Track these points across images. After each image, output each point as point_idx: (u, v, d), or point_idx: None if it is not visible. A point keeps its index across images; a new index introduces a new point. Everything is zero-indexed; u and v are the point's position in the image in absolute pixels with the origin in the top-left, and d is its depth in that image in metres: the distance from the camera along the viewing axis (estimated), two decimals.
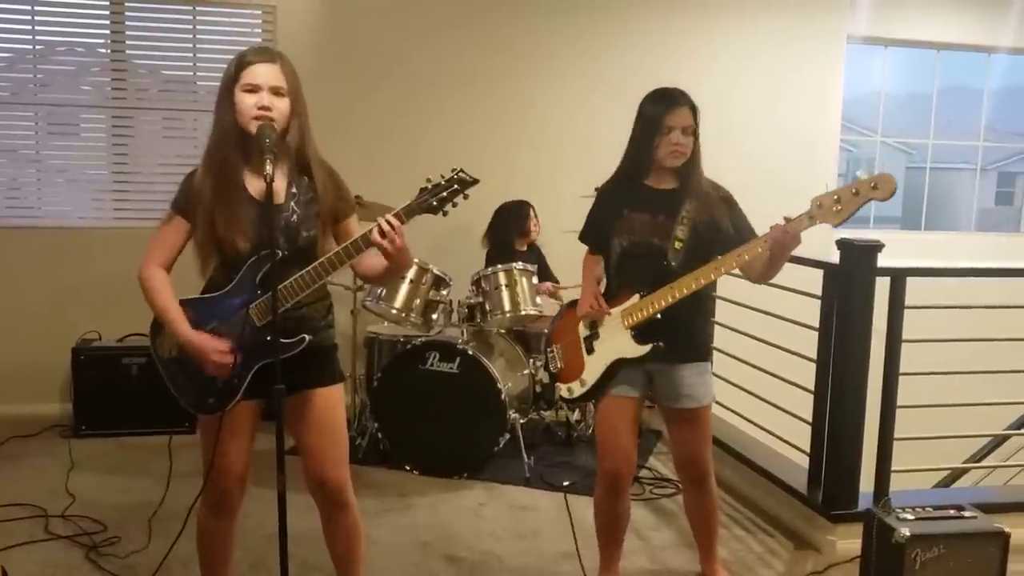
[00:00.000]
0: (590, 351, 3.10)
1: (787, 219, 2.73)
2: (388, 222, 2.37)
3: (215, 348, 2.46)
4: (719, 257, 2.88)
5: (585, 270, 3.25)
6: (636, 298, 2.97)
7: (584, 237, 3.26)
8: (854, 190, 2.59)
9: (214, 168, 2.48)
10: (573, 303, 3.25)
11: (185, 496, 2.80)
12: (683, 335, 2.99)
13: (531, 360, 4.91)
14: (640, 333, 2.97)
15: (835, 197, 2.62)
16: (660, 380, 3.05)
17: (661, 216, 2.96)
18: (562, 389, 3.20)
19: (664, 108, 2.91)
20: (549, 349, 3.29)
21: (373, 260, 2.53)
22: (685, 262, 2.93)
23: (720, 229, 2.97)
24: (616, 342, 3.02)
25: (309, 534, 2.98)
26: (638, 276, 2.98)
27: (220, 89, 2.48)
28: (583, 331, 3.13)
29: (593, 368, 3.08)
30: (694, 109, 2.93)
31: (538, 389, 4.93)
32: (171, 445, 3.57)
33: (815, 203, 2.66)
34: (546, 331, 3.40)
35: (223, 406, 2.51)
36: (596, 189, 3.24)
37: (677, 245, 2.94)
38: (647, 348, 2.96)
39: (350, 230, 2.61)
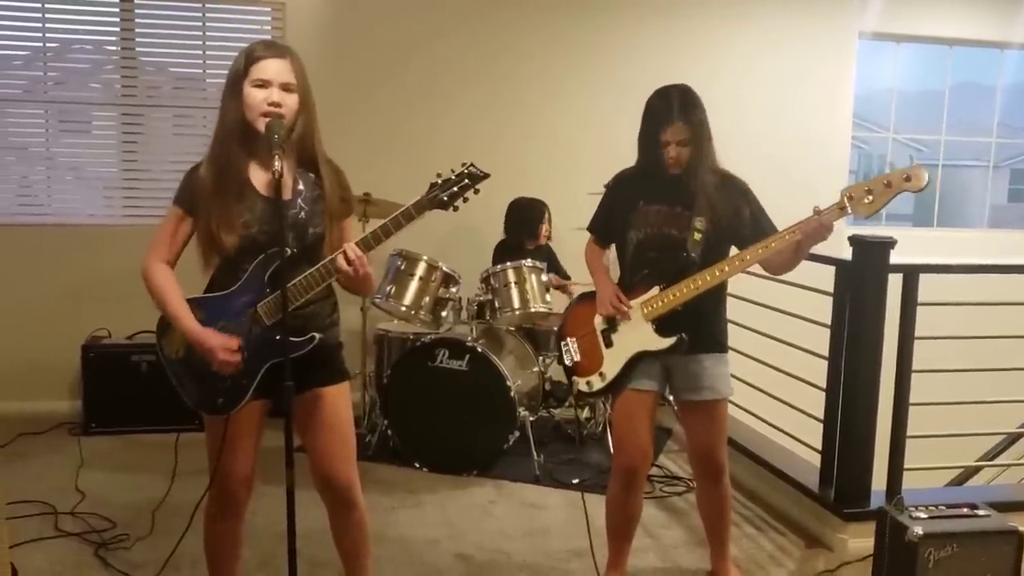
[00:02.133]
0: (608, 344, 3.07)
1: (817, 210, 2.74)
2: (353, 251, 2.38)
3: (222, 345, 2.44)
4: (742, 250, 2.88)
5: (594, 264, 3.24)
6: (656, 290, 2.96)
7: (593, 227, 3.26)
8: (886, 181, 2.64)
9: (217, 161, 2.46)
10: (585, 295, 3.23)
11: (193, 493, 2.80)
12: (702, 326, 2.99)
13: (540, 358, 4.90)
14: (661, 325, 2.96)
15: (866, 188, 2.66)
16: (679, 372, 3.04)
17: (679, 207, 2.96)
18: (580, 383, 3.17)
19: (658, 123, 2.93)
20: (563, 342, 3.23)
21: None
22: (705, 253, 2.93)
23: (739, 221, 2.98)
24: (637, 335, 2.99)
25: (317, 531, 2.97)
26: (657, 268, 2.97)
27: (227, 82, 2.46)
28: (600, 324, 3.10)
29: (613, 361, 3.06)
30: (689, 120, 2.91)
31: (547, 387, 4.92)
32: (178, 443, 3.58)
33: (845, 194, 2.69)
34: (557, 324, 3.37)
35: (232, 407, 2.49)
36: (606, 185, 3.22)
37: (696, 236, 2.92)
38: (670, 341, 2.95)
39: (344, 232, 2.58)
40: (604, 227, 3.21)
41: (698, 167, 2.95)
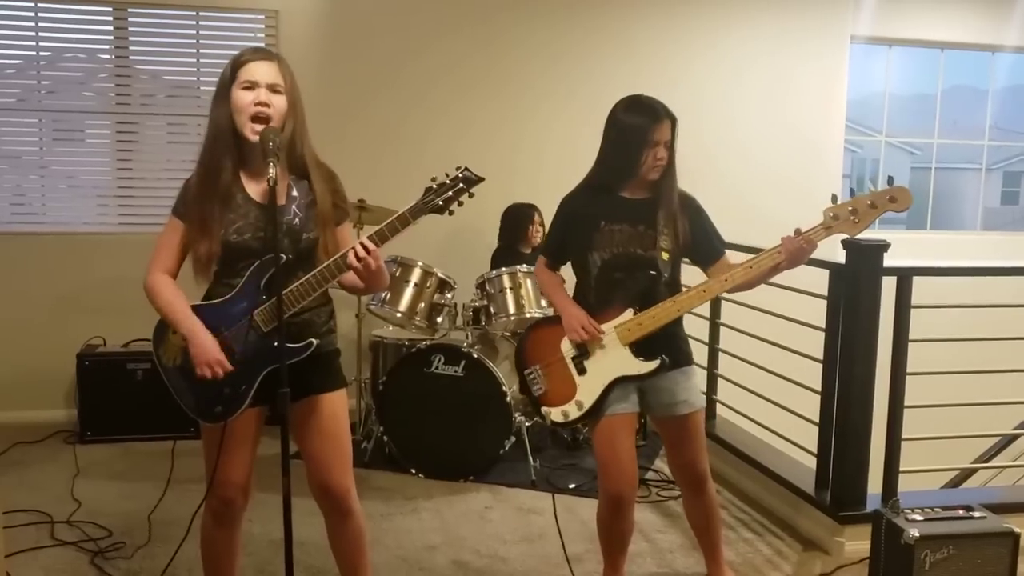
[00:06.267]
0: (582, 371, 2.95)
1: (799, 231, 2.75)
2: (364, 246, 2.37)
3: (216, 359, 2.42)
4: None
5: (553, 287, 3.12)
6: (629, 313, 2.89)
7: (548, 250, 3.16)
8: (870, 202, 2.65)
9: (205, 168, 2.48)
10: (542, 321, 3.14)
11: (190, 501, 2.79)
12: (672, 343, 2.97)
13: None
14: (640, 349, 2.91)
15: (850, 208, 2.67)
16: (652, 391, 2.98)
17: (642, 226, 2.91)
18: (553, 413, 2.99)
19: (650, 121, 2.87)
20: (527, 371, 3.05)
21: (352, 276, 2.49)
22: (671, 273, 2.94)
23: (697, 238, 2.98)
24: (614, 359, 2.91)
25: (314, 539, 2.98)
26: (626, 290, 2.91)
27: (216, 90, 2.47)
28: (569, 350, 2.97)
29: (589, 388, 2.94)
30: (674, 121, 2.92)
31: None
32: (174, 450, 3.57)
33: (829, 214, 2.70)
34: (516, 353, 3.16)
35: (230, 414, 2.49)
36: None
37: (664, 256, 2.90)
38: (654, 364, 2.89)
39: (341, 236, 2.59)
40: (560, 249, 3.11)
41: (670, 176, 2.94)
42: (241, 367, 2.47)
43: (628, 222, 2.92)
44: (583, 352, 2.95)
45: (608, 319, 2.92)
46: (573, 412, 2.97)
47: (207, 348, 2.43)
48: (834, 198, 2.72)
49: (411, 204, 2.40)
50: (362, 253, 2.37)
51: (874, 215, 2.66)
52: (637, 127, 2.88)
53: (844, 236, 2.84)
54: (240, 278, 2.48)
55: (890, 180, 2.68)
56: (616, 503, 3.03)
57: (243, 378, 2.47)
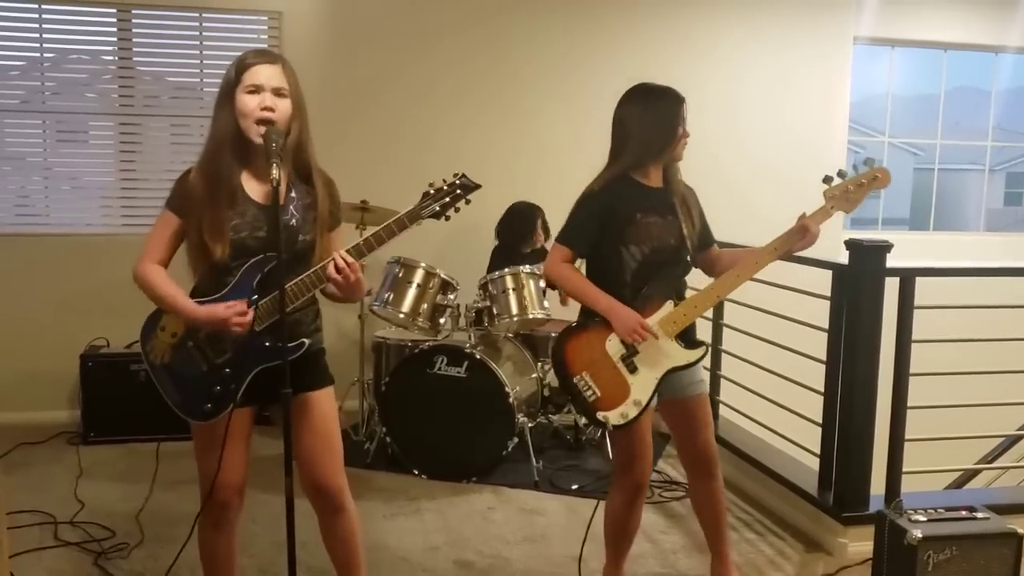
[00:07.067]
0: (633, 370, 2.87)
1: (803, 216, 2.88)
2: (344, 259, 2.38)
3: (232, 312, 2.40)
4: (755, 255, 2.93)
5: (585, 284, 2.92)
6: (670, 305, 2.87)
7: (575, 243, 2.95)
8: (861, 181, 2.89)
9: (209, 171, 2.47)
10: (576, 327, 2.98)
11: (192, 502, 2.79)
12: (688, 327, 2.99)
13: (539, 364, 4.90)
14: (684, 339, 2.91)
15: (846, 188, 2.89)
16: (667, 378, 2.94)
17: (669, 216, 2.94)
18: (612, 417, 2.87)
19: (678, 100, 2.94)
20: (576, 379, 2.91)
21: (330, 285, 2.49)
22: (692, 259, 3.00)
23: (704, 223, 3.06)
24: (664, 353, 2.87)
25: (316, 539, 2.97)
26: (664, 282, 2.91)
27: (220, 92, 2.47)
28: (617, 350, 2.88)
29: (643, 386, 2.87)
30: None
31: (546, 393, 4.92)
32: (158, 451, 3.55)
33: (828, 195, 2.90)
34: (553, 354, 3.01)
35: (219, 412, 2.48)
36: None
37: (689, 245, 2.96)
38: (700, 351, 2.92)
39: (332, 243, 2.58)
40: (592, 244, 2.95)
41: (676, 165, 3.02)
42: (232, 366, 2.47)
43: (658, 213, 2.93)
44: (631, 351, 2.88)
45: (649, 313, 2.87)
46: (632, 411, 2.87)
47: (217, 312, 2.41)
48: (828, 179, 2.90)
49: (408, 209, 2.42)
50: (342, 265, 2.38)
51: (864, 192, 2.89)
52: (672, 106, 2.94)
53: (844, 212, 3.00)
54: (233, 276, 2.47)
55: (867, 161, 2.92)
56: (637, 493, 3.05)
57: (233, 377, 2.48)
